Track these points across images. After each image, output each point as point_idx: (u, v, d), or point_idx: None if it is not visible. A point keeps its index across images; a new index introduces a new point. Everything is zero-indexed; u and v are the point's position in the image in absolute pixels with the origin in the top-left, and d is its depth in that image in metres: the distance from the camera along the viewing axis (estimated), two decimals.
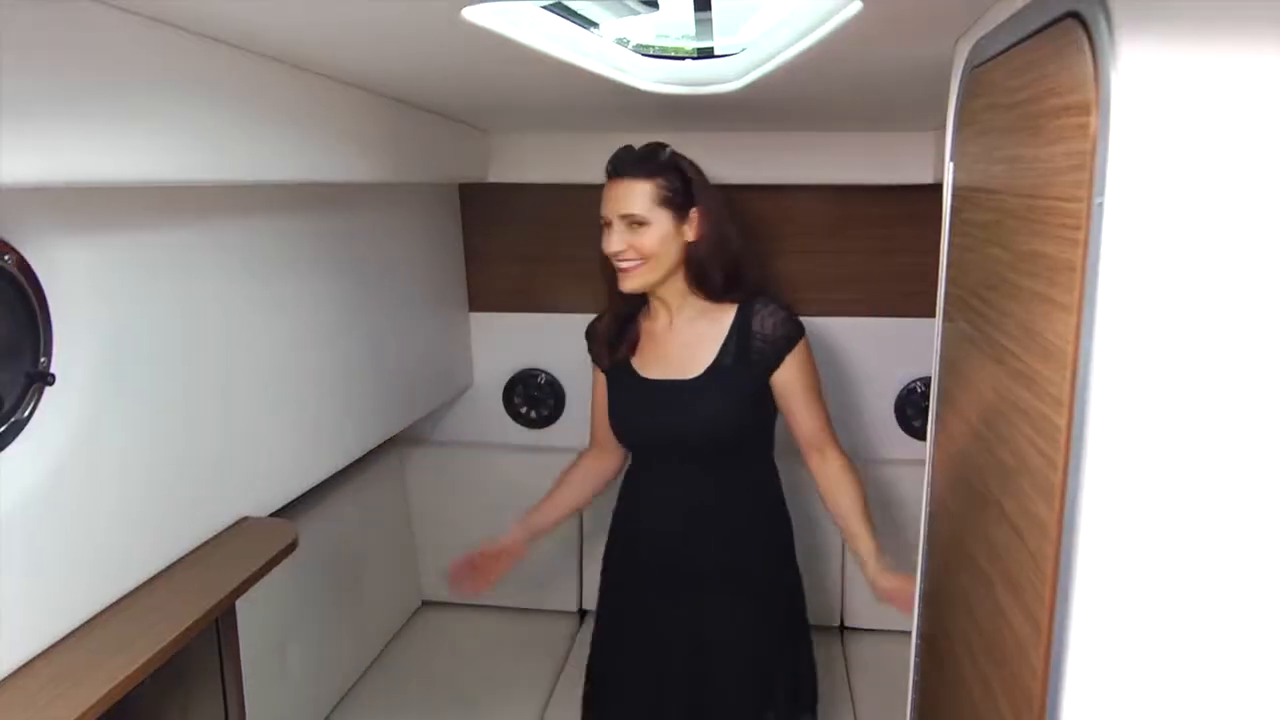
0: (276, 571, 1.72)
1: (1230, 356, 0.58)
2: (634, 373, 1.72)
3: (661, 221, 1.57)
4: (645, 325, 1.73)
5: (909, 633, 2.39)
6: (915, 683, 1.24)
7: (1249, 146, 0.56)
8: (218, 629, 1.38)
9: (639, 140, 1.66)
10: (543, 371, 2.61)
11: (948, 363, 1.12)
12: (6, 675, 0.99)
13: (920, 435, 2.46)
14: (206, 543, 1.34)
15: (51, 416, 1.06)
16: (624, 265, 1.59)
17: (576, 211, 2.56)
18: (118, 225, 1.15)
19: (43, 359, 1.06)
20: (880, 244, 2.41)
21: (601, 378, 1.79)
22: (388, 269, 2.03)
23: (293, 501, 1.95)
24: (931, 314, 1.26)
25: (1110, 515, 0.61)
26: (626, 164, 1.59)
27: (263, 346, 1.50)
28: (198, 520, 1.33)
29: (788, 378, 1.67)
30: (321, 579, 2.01)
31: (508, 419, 2.65)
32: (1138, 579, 0.61)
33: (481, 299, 2.61)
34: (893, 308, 2.43)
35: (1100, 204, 0.59)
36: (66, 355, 1.08)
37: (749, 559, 1.73)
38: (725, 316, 1.67)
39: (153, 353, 1.22)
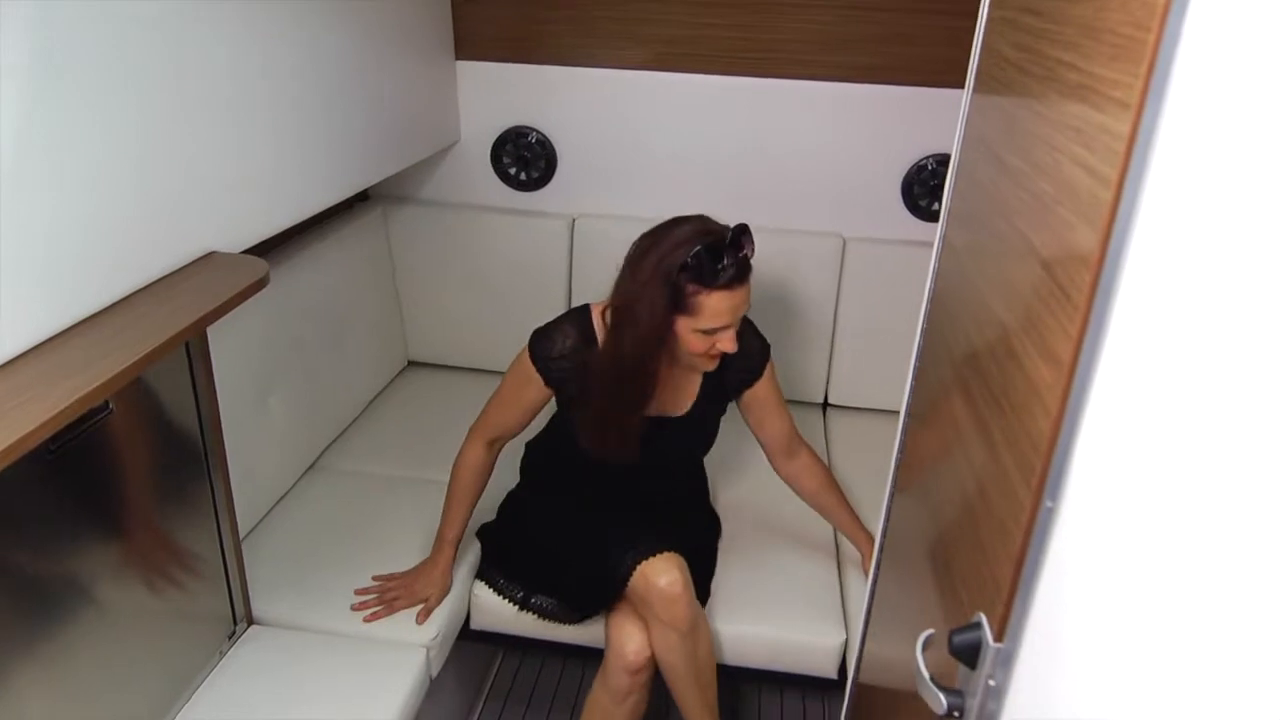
0: (255, 320, 1.68)
1: None
2: None
3: None
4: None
5: (887, 411, 2.41)
6: (901, 445, 1.22)
7: None
8: (190, 361, 1.34)
9: None
10: (534, 130, 2.45)
11: (976, 119, 1.01)
12: None
13: (926, 216, 2.35)
14: (171, 274, 1.27)
15: None
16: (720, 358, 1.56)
17: None
18: None
19: None
20: (902, 1, 2.18)
21: (539, 390, 1.64)
22: None
23: (271, 252, 1.87)
24: (957, 84, 1.12)
25: (1162, 243, 0.53)
26: (747, 268, 1.50)
27: (221, 69, 1.35)
28: (160, 248, 1.25)
29: (761, 393, 1.71)
30: (303, 331, 1.97)
31: (495, 179, 2.51)
32: (1178, 316, 0.54)
33: (470, 45, 2.40)
34: (909, 75, 2.23)
35: None
36: None
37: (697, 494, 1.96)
38: None
39: (98, 57, 1.09)
